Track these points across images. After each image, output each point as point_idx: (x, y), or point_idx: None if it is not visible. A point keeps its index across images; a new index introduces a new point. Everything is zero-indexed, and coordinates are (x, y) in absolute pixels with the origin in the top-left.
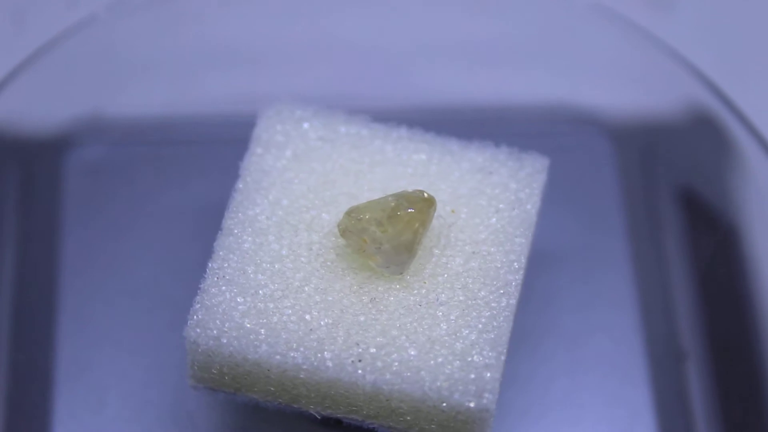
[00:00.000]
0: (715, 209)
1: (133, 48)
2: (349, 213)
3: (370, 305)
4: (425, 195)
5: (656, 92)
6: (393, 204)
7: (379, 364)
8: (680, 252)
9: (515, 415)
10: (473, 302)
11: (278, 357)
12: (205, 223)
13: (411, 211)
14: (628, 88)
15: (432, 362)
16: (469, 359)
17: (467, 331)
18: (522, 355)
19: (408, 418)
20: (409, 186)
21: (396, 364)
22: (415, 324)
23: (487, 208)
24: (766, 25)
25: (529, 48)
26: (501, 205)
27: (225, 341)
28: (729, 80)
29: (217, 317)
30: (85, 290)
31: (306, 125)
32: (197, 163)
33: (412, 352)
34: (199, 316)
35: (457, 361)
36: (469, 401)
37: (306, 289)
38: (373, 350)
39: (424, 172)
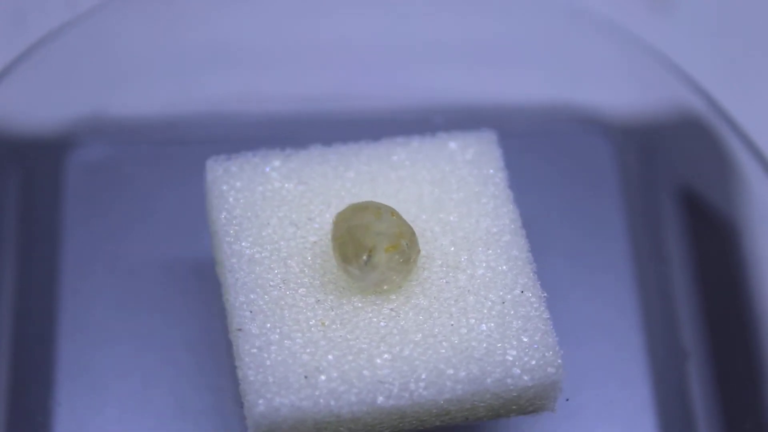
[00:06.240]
0: (715, 209)
1: (133, 48)
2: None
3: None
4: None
5: (656, 93)
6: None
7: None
8: (680, 252)
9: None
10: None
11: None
12: (206, 224)
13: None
14: (628, 88)
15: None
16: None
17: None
18: None
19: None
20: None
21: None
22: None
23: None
24: (762, 30)
25: (530, 48)
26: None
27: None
28: (725, 85)
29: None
30: (86, 290)
31: (267, 169)
32: (197, 163)
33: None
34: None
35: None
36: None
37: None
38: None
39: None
